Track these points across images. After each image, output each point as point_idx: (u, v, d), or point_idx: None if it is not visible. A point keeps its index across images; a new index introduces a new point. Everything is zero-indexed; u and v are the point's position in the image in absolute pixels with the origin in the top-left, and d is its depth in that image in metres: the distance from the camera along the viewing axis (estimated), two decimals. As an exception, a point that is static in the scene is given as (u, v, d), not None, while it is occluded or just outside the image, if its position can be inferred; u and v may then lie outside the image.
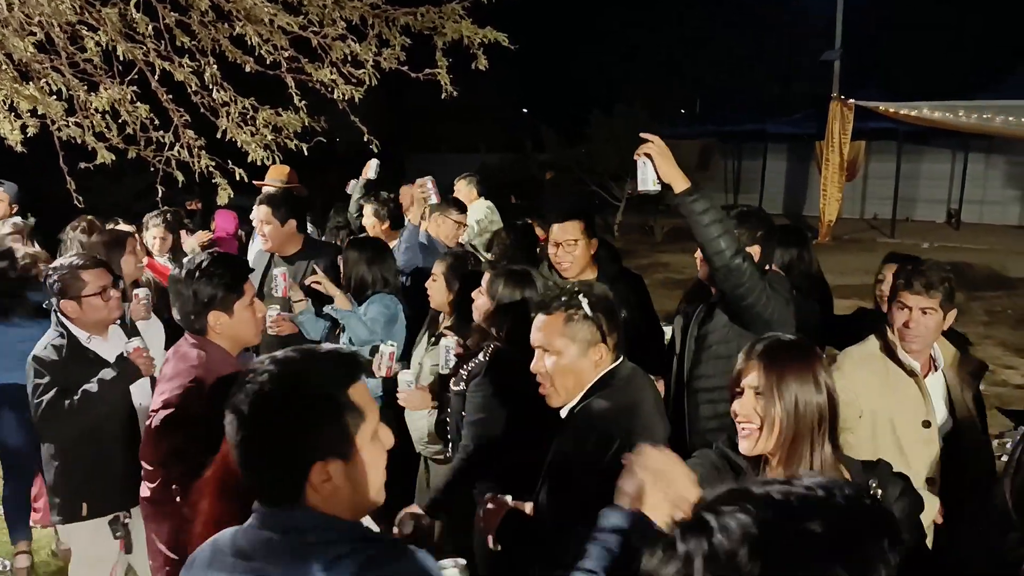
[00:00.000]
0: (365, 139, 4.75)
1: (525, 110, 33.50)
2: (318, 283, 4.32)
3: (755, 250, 3.27)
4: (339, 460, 1.49)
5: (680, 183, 2.97)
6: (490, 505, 2.46)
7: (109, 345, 3.66)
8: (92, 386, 3.42)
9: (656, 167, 2.98)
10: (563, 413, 2.53)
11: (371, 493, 1.56)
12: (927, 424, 3.04)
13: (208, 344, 2.82)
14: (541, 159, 20.66)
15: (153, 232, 5.59)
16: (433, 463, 3.88)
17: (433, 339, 3.97)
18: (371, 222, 5.51)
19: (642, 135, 3.04)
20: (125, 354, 3.53)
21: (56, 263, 3.69)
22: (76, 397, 3.40)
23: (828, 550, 0.93)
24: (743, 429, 2.05)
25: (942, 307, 2.99)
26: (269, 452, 1.49)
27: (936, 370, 3.12)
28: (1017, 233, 19.62)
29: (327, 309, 4.27)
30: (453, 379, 3.44)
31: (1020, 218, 21.23)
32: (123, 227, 5.49)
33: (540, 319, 2.53)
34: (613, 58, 30.99)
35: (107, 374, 3.47)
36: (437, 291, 3.91)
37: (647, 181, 3.00)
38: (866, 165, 21.06)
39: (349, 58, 4.37)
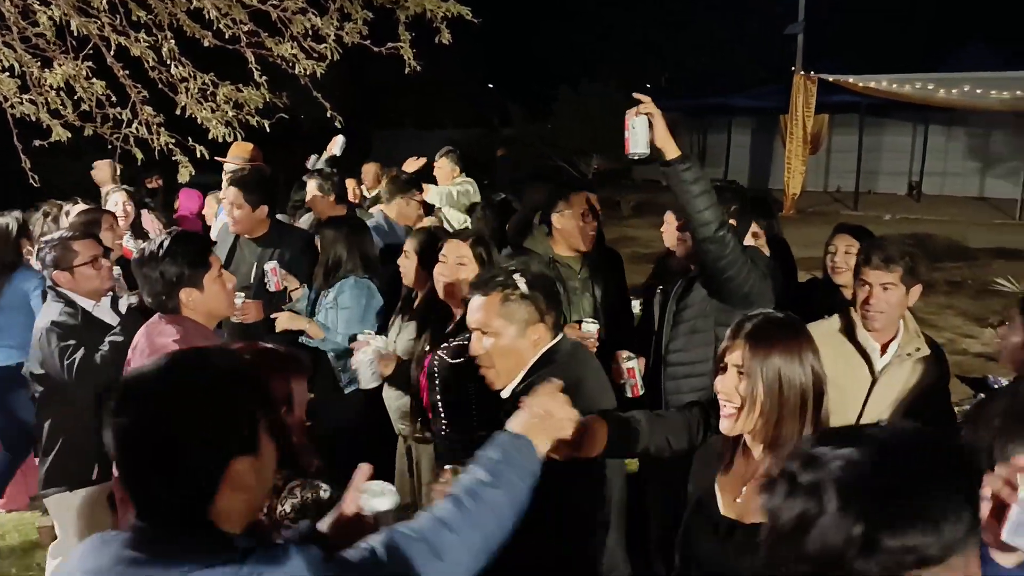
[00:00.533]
0: (328, 115, 4.68)
1: (491, 86, 33.24)
2: (287, 327, 4.14)
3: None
4: (249, 456, 1.39)
5: (672, 150, 2.92)
6: (446, 476, 2.46)
7: (108, 314, 3.71)
8: (117, 336, 3.47)
9: (655, 129, 2.91)
10: (505, 394, 2.49)
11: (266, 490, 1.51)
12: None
13: (184, 319, 2.81)
14: (505, 135, 20.54)
15: (115, 199, 5.48)
16: (415, 443, 3.78)
17: (407, 318, 3.89)
18: (315, 196, 5.31)
19: (636, 95, 2.96)
20: (131, 306, 3.59)
21: (45, 237, 3.78)
22: (105, 348, 3.45)
23: (945, 473, 1.04)
24: (724, 408, 2.02)
25: (903, 282, 2.90)
26: (183, 449, 1.35)
27: (896, 338, 3.01)
28: (977, 204, 19.93)
29: (301, 340, 4.11)
30: (444, 349, 3.32)
31: (980, 189, 21.53)
32: (82, 206, 5.38)
33: (477, 300, 2.48)
34: (579, 34, 30.76)
35: (127, 322, 3.51)
36: (410, 268, 3.81)
37: (639, 143, 2.92)
38: (829, 138, 21.17)
39: (310, 32, 4.30)
